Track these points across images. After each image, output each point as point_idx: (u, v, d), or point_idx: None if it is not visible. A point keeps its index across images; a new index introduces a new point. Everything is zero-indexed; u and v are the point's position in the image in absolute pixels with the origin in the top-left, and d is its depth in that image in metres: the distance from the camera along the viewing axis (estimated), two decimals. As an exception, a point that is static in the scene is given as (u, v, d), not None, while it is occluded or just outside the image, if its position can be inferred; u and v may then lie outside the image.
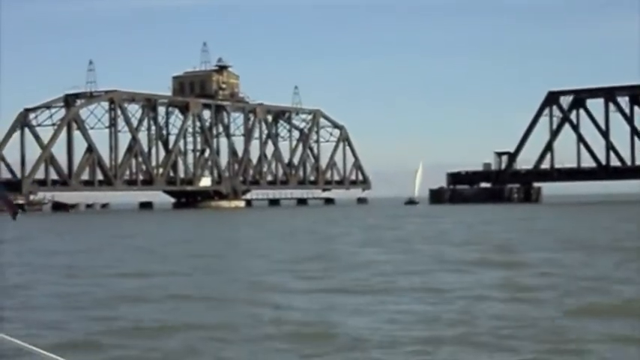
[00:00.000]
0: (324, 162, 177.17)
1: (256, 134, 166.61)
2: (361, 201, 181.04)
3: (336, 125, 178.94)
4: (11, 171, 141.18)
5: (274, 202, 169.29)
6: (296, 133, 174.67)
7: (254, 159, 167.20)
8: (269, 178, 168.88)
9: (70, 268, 31.46)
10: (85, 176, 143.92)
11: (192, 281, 25.96)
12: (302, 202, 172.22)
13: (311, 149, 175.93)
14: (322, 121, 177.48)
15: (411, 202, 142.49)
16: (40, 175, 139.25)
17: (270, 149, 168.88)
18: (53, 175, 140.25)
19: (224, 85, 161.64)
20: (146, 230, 67.04)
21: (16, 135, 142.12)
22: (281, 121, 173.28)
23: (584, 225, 58.99)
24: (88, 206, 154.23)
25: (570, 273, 25.73)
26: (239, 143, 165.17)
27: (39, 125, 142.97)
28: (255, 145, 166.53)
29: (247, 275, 27.28)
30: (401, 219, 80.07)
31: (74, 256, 37.58)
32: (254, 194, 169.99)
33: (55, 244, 47.92)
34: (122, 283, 25.49)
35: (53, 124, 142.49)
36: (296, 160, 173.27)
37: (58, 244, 48.78)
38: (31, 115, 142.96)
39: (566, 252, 33.96)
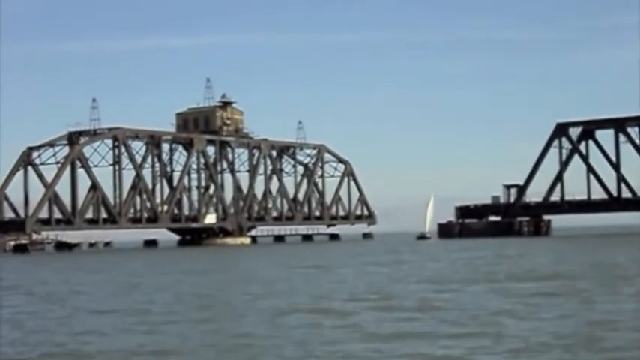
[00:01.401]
0: (329, 197, 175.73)
1: (260, 170, 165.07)
2: (367, 236, 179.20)
3: (340, 160, 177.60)
4: (14, 210, 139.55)
5: (279, 239, 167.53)
6: (300, 169, 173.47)
7: (259, 195, 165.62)
8: (274, 214, 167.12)
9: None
10: (89, 214, 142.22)
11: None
12: (307, 237, 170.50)
13: (315, 185, 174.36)
14: (327, 156, 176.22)
15: (423, 236, 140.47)
16: (43, 214, 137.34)
17: (274, 185, 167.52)
18: (57, 214, 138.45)
19: (228, 121, 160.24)
20: (179, 269, 65.13)
21: (20, 174, 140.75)
22: (285, 157, 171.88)
23: None
24: (91, 245, 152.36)
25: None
26: (243, 179, 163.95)
27: (42, 164, 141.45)
28: (259, 180, 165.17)
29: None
30: (440, 254, 76.71)
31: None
32: (258, 230, 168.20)
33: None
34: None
35: (57, 163, 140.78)
36: (301, 196, 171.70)
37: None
38: (35, 154, 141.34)
39: None
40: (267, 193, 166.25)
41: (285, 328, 23.57)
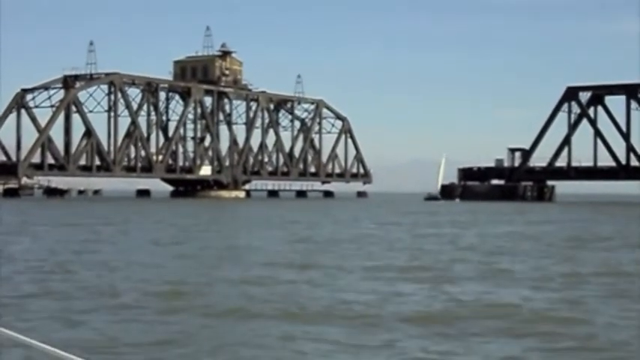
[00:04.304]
0: (325, 153, 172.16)
1: (257, 123, 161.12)
2: (361, 195, 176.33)
3: (338, 116, 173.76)
4: (6, 154, 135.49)
5: (273, 194, 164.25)
6: (297, 124, 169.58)
7: (254, 148, 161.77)
8: (269, 168, 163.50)
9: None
10: (82, 161, 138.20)
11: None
12: (301, 194, 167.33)
13: (312, 141, 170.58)
14: (325, 111, 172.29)
15: (433, 197, 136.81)
16: (36, 158, 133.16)
17: (270, 139, 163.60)
18: (50, 159, 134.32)
19: (227, 72, 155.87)
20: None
21: (12, 116, 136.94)
22: (283, 111, 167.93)
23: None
24: (80, 192, 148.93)
25: None
26: (239, 131, 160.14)
27: (36, 107, 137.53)
28: (256, 134, 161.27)
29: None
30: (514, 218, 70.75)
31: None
32: (252, 185, 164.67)
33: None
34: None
35: (51, 106, 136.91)
36: (297, 151, 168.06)
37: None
38: (28, 96, 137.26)
39: None
40: (263, 146, 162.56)
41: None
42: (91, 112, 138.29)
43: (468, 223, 57.80)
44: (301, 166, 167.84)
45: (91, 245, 34.66)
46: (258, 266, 26.12)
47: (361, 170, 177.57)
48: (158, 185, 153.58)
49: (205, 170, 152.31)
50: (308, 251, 32.22)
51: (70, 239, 38.28)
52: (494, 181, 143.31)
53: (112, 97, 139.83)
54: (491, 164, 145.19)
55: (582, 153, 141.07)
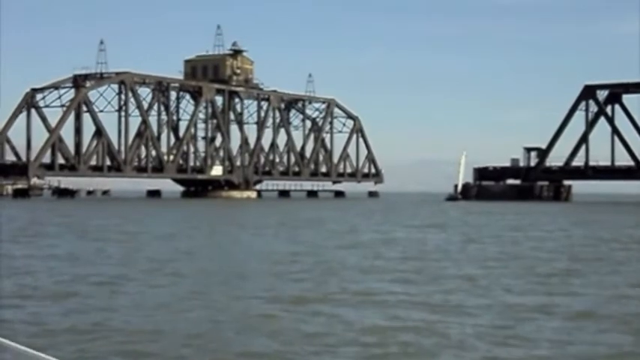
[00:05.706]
0: (336, 153, 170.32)
1: (268, 123, 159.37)
2: (372, 195, 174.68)
3: (350, 116, 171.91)
4: (16, 154, 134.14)
5: (284, 194, 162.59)
6: (308, 123, 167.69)
7: (266, 148, 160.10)
8: (281, 168, 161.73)
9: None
10: (93, 161, 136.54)
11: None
12: (312, 194, 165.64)
13: (323, 140, 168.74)
14: (336, 111, 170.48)
15: (453, 197, 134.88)
16: (46, 159, 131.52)
17: (282, 138, 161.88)
18: (60, 159, 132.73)
19: (238, 71, 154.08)
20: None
21: (22, 116, 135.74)
22: (294, 110, 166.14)
23: None
24: (89, 193, 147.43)
25: None
26: (250, 131, 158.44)
27: (46, 106, 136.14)
28: (267, 133, 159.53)
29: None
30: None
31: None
32: (263, 185, 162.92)
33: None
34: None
35: (62, 106, 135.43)
36: (308, 151, 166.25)
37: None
38: (39, 96, 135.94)
39: None
40: (274, 146, 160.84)
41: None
42: (101, 111, 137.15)
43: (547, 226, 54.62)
44: (312, 166, 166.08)
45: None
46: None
47: (372, 170, 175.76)
48: (168, 185, 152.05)
49: (216, 170, 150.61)
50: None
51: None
52: (510, 181, 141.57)
53: (123, 96, 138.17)
54: (507, 164, 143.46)
55: (600, 152, 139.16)
